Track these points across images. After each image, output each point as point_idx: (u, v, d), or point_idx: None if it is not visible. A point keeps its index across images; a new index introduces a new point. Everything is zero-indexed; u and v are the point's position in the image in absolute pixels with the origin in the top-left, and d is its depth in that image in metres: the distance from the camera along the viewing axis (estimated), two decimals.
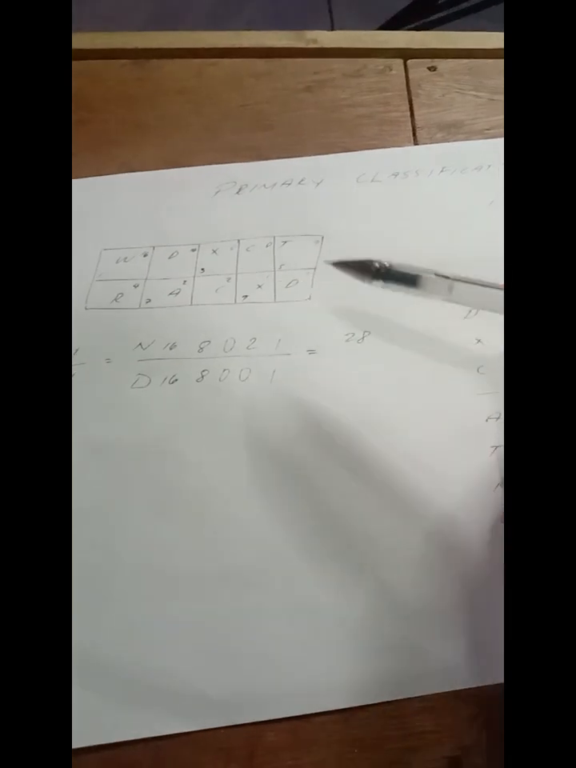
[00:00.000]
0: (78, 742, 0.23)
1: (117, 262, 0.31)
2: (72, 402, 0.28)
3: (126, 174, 0.34)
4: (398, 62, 0.37)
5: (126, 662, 0.24)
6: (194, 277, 0.31)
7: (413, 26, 0.89)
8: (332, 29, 0.99)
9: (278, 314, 0.30)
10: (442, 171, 0.33)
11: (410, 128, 0.35)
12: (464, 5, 0.89)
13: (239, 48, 0.37)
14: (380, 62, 0.37)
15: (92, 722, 0.23)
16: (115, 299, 0.30)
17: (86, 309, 0.30)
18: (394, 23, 0.90)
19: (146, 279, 0.31)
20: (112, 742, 0.23)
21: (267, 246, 0.31)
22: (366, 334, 0.29)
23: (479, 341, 0.29)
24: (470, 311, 0.30)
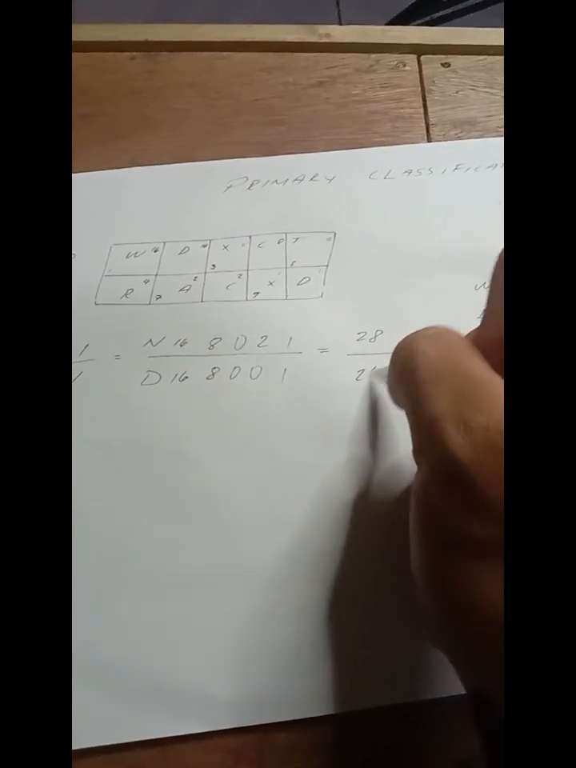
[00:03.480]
0: (84, 742, 0.23)
1: (127, 257, 0.31)
2: (81, 399, 0.28)
3: (136, 167, 0.33)
4: (411, 58, 0.37)
5: (134, 663, 0.24)
6: (205, 273, 0.30)
7: (420, 21, 0.89)
8: (339, 23, 0.98)
9: (289, 311, 0.30)
10: (455, 169, 0.33)
11: (424, 125, 0.35)
12: (470, 2, 0.89)
13: (250, 41, 0.37)
14: (393, 58, 0.37)
15: (99, 723, 0.23)
16: (125, 295, 0.30)
17: (95, 304, 0.30)
18: (402, 18, 0.89)
19: (157, 275, 0.30)
20: (119, 742, 0.23)
21: (279, 243, 0.31)
22: (379, 333, 0.29)
23: None
24: (484, 311, 0.29)
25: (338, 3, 1.01)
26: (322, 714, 0.24)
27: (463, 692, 0.24)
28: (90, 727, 0.23)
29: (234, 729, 0.23)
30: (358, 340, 0.29)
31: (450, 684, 0.24)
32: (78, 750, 0.23)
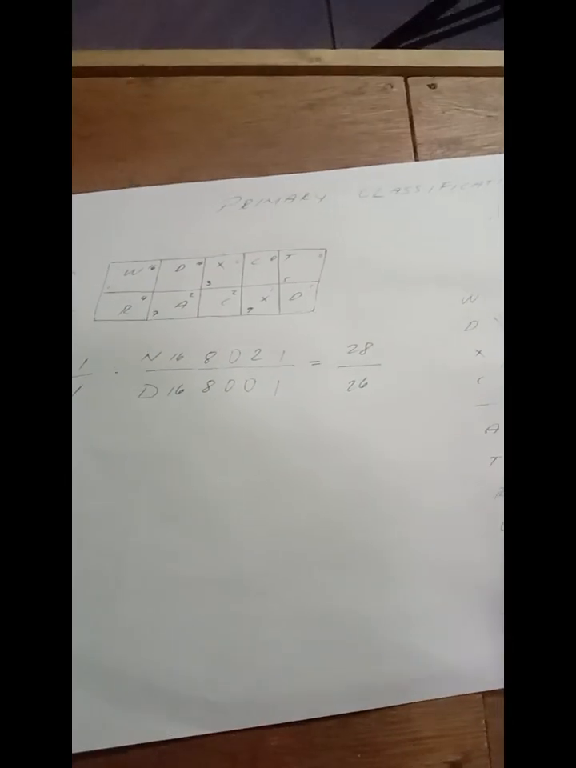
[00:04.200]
0: (83, 746, 0.23)
1: (125, 275, 0.32)
2: (80, 412, 0.29)
3: (134, 188, 0.34)
4: (398, 80, 0.38)
5: (132, 667, 0.25)
6: (201, 289, 0.31)
7: (413, 41, 0.90)
8: (333, 42, 1.00)
9: (282, 325, 0.31)
10: (442, 187, 0.34)
11: (411, 144, 0.36)
12: (463, 21, 0.90)
13: (243, 66, 0.38)
14: (381, 80, 0.38)
15: (97, 726, 0.24)
16: (123, 311, 0.31)
17: (94, 320, 0.31)
18: (395, 37, 0.91)
19: (154, 292, 0.31)
20: (117, 746, 0.24)
21: (272, 260, 0.32)
22: (369, 345, 0.30)
23: (479, 352, 0.30)
24: (471, 323, 0.30)
25: (331, 22, 1.03)
26: (314, 717, 0.24)
27: (455, 694, 0.25)
28: (88, 731, 0.24)
29: (229, 731, 0.24)
30: (348, 352, 0.30)
31: (442, 686, 0.25)
32: (74, 754, 0.23)
